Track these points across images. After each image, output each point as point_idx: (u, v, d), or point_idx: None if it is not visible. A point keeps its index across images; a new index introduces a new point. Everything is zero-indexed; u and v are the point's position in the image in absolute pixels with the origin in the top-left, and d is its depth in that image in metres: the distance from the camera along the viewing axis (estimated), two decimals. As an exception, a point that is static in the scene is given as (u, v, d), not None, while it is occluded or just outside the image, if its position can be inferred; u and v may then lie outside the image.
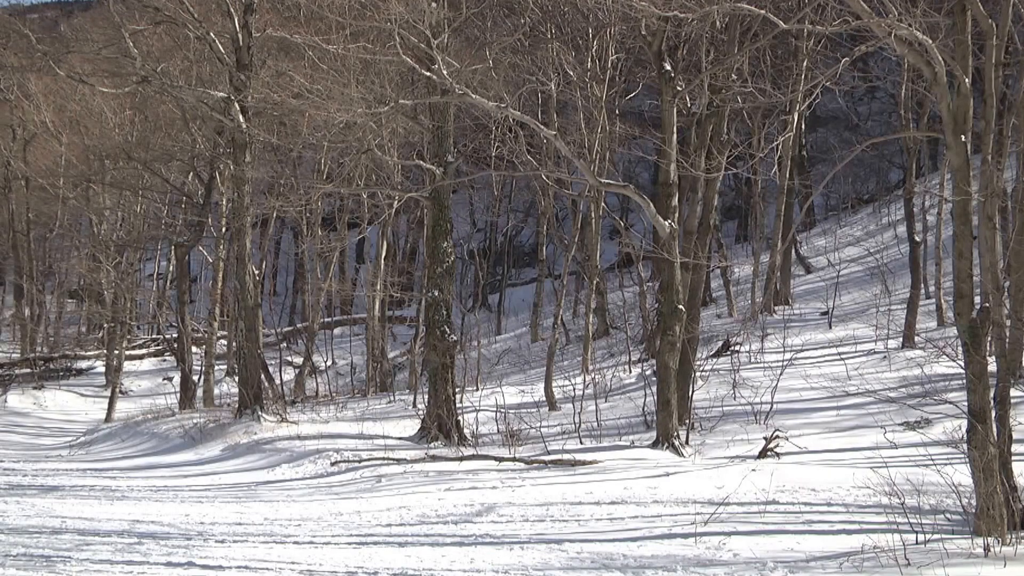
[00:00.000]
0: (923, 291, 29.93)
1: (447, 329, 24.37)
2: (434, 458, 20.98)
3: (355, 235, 45.52)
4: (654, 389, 21.67)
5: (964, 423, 13.36)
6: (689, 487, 16.91)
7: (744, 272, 37.63)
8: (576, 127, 29.26)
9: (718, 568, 12.12)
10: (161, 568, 12.05)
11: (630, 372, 28.82)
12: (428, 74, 20.31)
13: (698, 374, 23.67)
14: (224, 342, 42.13)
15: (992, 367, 13.53)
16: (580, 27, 28.35)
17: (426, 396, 25.53)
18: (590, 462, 19.52)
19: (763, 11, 15.83)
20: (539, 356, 33.51)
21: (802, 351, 27.14)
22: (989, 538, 11.95)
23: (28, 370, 41.58)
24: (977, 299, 13.63)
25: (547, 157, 31.31)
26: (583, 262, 35.63)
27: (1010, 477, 12.92)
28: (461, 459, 20.66)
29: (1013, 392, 14.00)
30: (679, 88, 21.74)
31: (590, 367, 29.20)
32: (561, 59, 28.38)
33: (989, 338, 13.33)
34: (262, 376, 29.35)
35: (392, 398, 31.30)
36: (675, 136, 21.59)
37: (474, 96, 20.20)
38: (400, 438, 24.63)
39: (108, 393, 36.77)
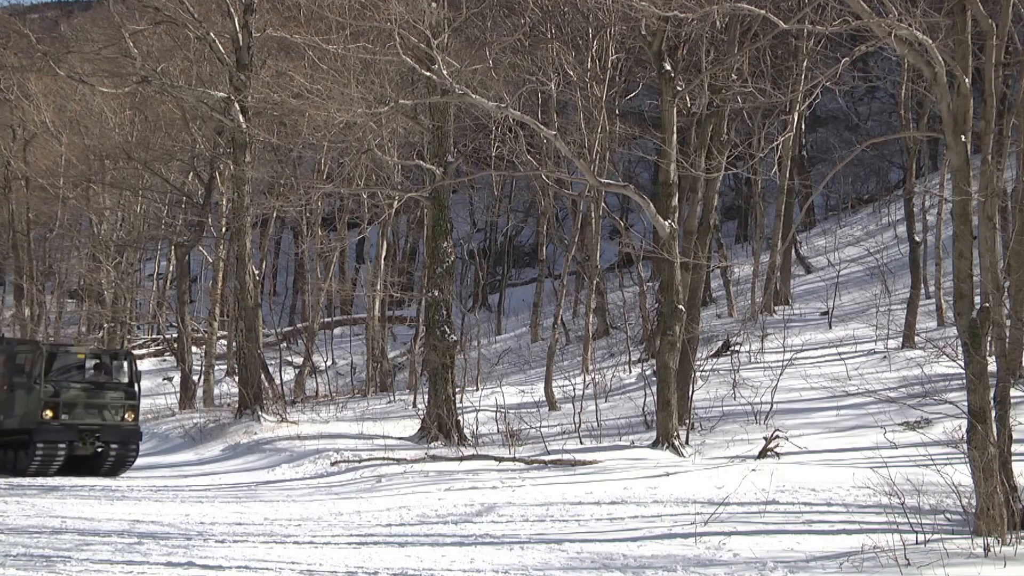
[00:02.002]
0: (923, 291, 29.93)
1: (447, 329, 24.37)
2: (434, 458, 20.98)
3: (355, 235, 45.51)
4: (654, 389, 21.68)
5: (964, 423, 13.36)
6: (689, 487, 16.91)
7: (744, 272, 37.63)
8: (576, 127, 29.25)
9: (718, 568, 12.11)
10: (161, 568, 12.04)
11: (630, 372, 28.82)
12: (428, 74, 20.31)
13: (698, 374, 23.68)
14: (224, 342, 42.10)
15: (992, 367, 13.54)
16: (580, 27, 28.35)
17: (426, 396, 25.53)
18: (590, 462, 19.52)
19: (763, 11, 15.84)
20: (539, 356, 33.51)
21: (802, 351, 27.13)
22: (989, 538, 11.95)
23: (28, 370, 41.48)
24: (977, 299, 13.63)
25: (547, 157, 31.30)
26: (583, 262, 35.63)
27: (1010, 477, 12.91)
28: (461, 459, 20.66)
29: (1013, 392, 14.00)
30: (679, 88, 21.74)
31: (590, 367, 29.21)
32: (561, 59, 28.37)
33: (989, 338, 13.33)
34: (262, 376, 29.36)
35: (392, 398, 31.30)
36: (675, 136, 21.59)
37: (474, 96, 20.20)
38: (400, 438, 24.64)
39: (108, 393, 36.65)
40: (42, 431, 20.93)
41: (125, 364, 22.50)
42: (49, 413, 21.01)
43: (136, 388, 22.29)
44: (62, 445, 21.10)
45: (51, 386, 21.13)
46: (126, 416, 21.85)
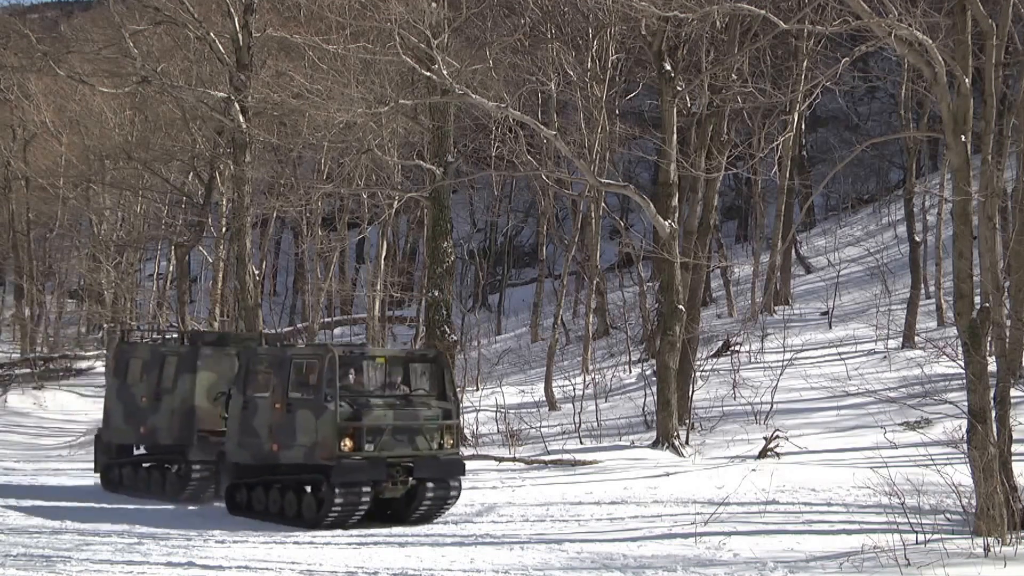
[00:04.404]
0: (923, 291, 29.92)
1: (447, 329, 24.37)
2: (434, 458, 20.92)
3: (355, 235, 45.47)
4: (654, 389, 21.68)
5: (964, 423, 13.37)
6: (689, 487, 16.93)
7: (744, 272, 37.62)
8: (576, 127, 29.24)
9: (718, 568, 12.13)
10: (161, 568, 12.05)
11: (630, 372, 28.81)
12: (428, 74, 20.32)
13: (698, 374, 23.68)
14: (224, 342, 42.06)
15: (992, 367, 13.55)
16: (580, 27, 28.33)
17: (426, 396, 25.47)
18: (590, 462, 19.52)
19: (763, 11, 15.84)
20: (539, 356, 33.49)
21: (802, 351, 27.13)
22: (989, 538, 11.96)
23: (28, 370, 41.50)
24: (977, 299, 13.64)
25: (547, 157, 31.29)
26: (583, 262, 35.62)
27: (1010, 477, 12.93)
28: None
29: (1013, 392, 14.01)
30: (679, 88, 21.75)
31: (590, 367, 29.19)
32: (561, 59, 28.36)
33: (989, 338, 13.35)
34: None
35: (392, 398, 31.22)
36: (675, 136, 21.60)
37: (474, 96, 20.21)
38: (400, 438, 24.60)
39: (108, 393, 36.68)
40: (342, 469, 15.14)
41: (434, 369, 16.58)
42: (348, 443, 15.27)
43: (454, 402, 16.49)
44: (367, 487, 15.39)
45: (348, 404, 15.41)
46: (444, 442, 16.02)
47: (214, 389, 17.90)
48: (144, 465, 19.03)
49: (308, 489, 15.74)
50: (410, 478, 15.60)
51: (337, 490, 15.11)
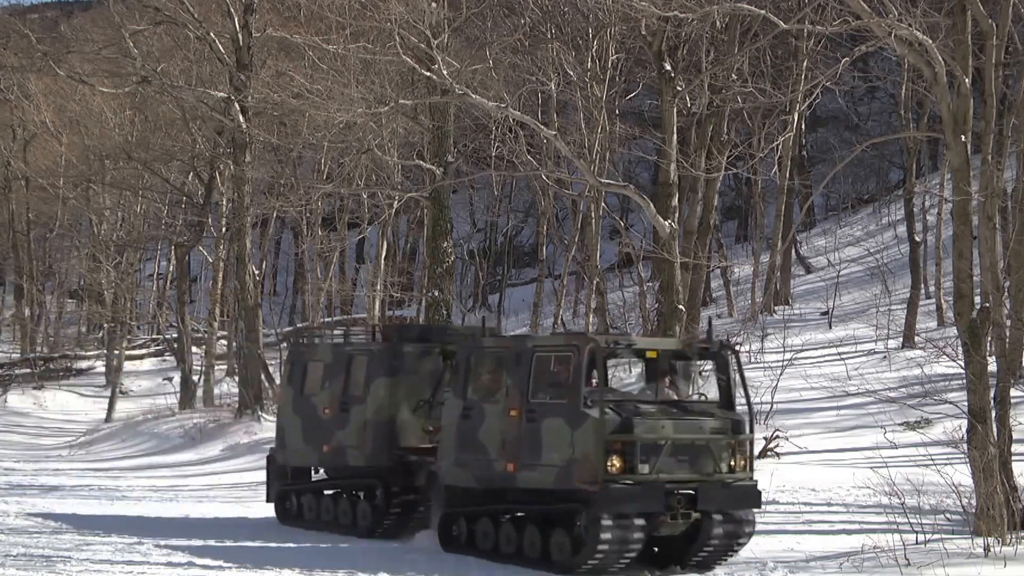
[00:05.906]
0: (923, 291, 29.91)
1: (447, 329, 24.37)
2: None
3: (355, 235, 45.47)
4: (654, 389, 21.61)
5: (964, 423, 13.38)
6: (689, 487, 16.88)
7: (744, 272, 37.61)
8: (576, 127, 29.19)
9: (718, 568, 12.13)
10: (161, 568, 12.05)
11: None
12: (428, 74, 20.33)
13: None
14: (224, 342, 42.09)
15: (992, 367, 13.55)
16: (580, 27, 28.30)
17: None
18: (590, 462, 19.37)
19: (763, 11, 15.85)
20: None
21: (802, 351, 27.12)
22: (989, 538, 11.97)
23: (28, 370, 41.57)
24: (977, 299, 13.64)
25: (547, 157, 31.26)
26: (583, 262, 35.59)
27: (1010, 477, 12.94)
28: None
29: (1013, 392, 14.02)
30: (679, 88, 21.75)
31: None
32: (561, 59, 28.33)
33: (989, 338, 13.35)
34: (262, 376, 29.35)
35: (392, 398, 31.16)
36: (675, 136, 21.59)
37: (474, 96, 20.20)
38: (400, 438, 24.53)
39: (108, 393, 36.80)
40: (609, 497, 11.72)
41: (716, 367, 13.40)
42: (617, 463, 11.77)
43: (747, 410, 13.18)
44: (641, 521, 11.89)
45: (613, 411, 12.05)
46: (734, 463, 12.43)
47: (415, 396, 14.66)
48: (327, 492, 15.50)
49: (563, 524, 12.26)
50: (694, 510, 12.08)
51: (603, 523, 11.59)
